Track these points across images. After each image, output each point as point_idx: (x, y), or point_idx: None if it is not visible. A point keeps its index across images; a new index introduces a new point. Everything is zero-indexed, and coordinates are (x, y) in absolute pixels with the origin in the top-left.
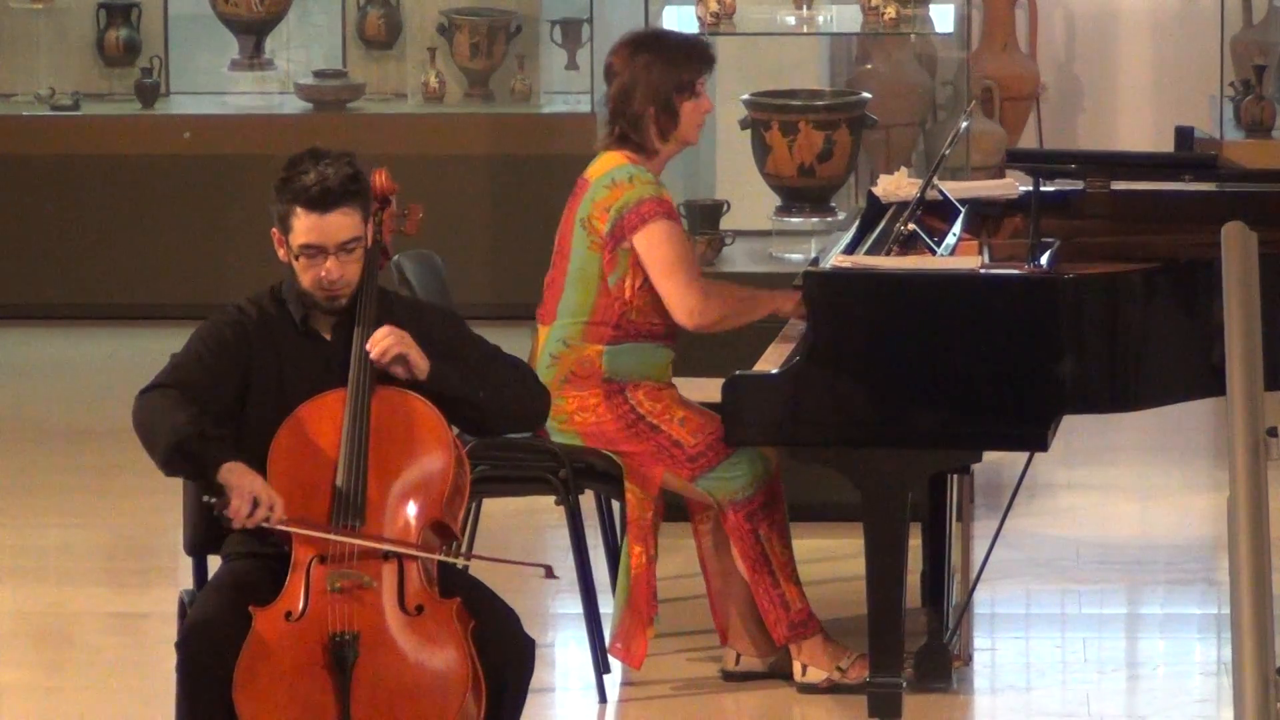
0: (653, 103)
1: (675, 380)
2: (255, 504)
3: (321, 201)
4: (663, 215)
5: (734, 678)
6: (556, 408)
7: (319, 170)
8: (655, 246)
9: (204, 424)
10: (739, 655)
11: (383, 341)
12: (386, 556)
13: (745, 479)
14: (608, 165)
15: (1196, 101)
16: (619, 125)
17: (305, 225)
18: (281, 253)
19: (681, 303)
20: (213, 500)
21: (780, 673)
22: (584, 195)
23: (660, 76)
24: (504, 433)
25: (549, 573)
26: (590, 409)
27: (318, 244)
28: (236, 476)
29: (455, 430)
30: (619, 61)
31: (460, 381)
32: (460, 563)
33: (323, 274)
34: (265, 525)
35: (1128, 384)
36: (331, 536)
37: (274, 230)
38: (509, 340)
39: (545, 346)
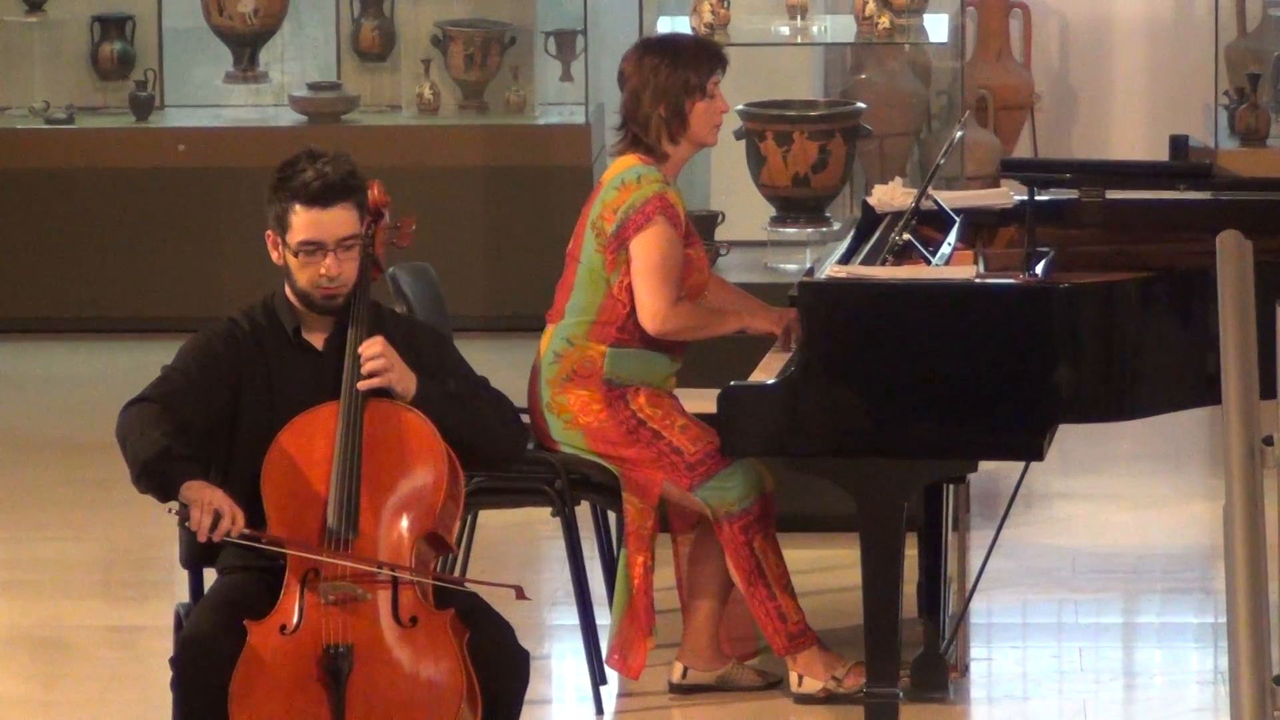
0: (661, 104)
1: (674, 391)
2: (217, 517)
3: (322, 197)
4: (661, 214)
5: (680, 690)
6: (560, 406)
7: (317, 168)
8: (643, 248)
9: (173, 443)
10: (686, 668)
11: (372, 353)
12: (380, 568)
13: (741, 490)
14: (620, 168)
15: (1191, 110)
16: (631, 129)
17: (305, 221)
18: (275, 254)
19: (648, 305)
20: (177, 512)
21: (728, 685)
22: (596, 197)
23: (668, 79)
24: (475, 467)
25: (519, 594)
26: (593, 412)
27: (317, 240)
28: (195, 491)
29: None
30: (629, 66)
31: (442, 409)
32: (418, 579)
33: (322, 271)
34: (229, 539)
35: (1123, 393)
36: (311, 556)
37: (269, 232)
38: (505, 351)
39: (550, 344)
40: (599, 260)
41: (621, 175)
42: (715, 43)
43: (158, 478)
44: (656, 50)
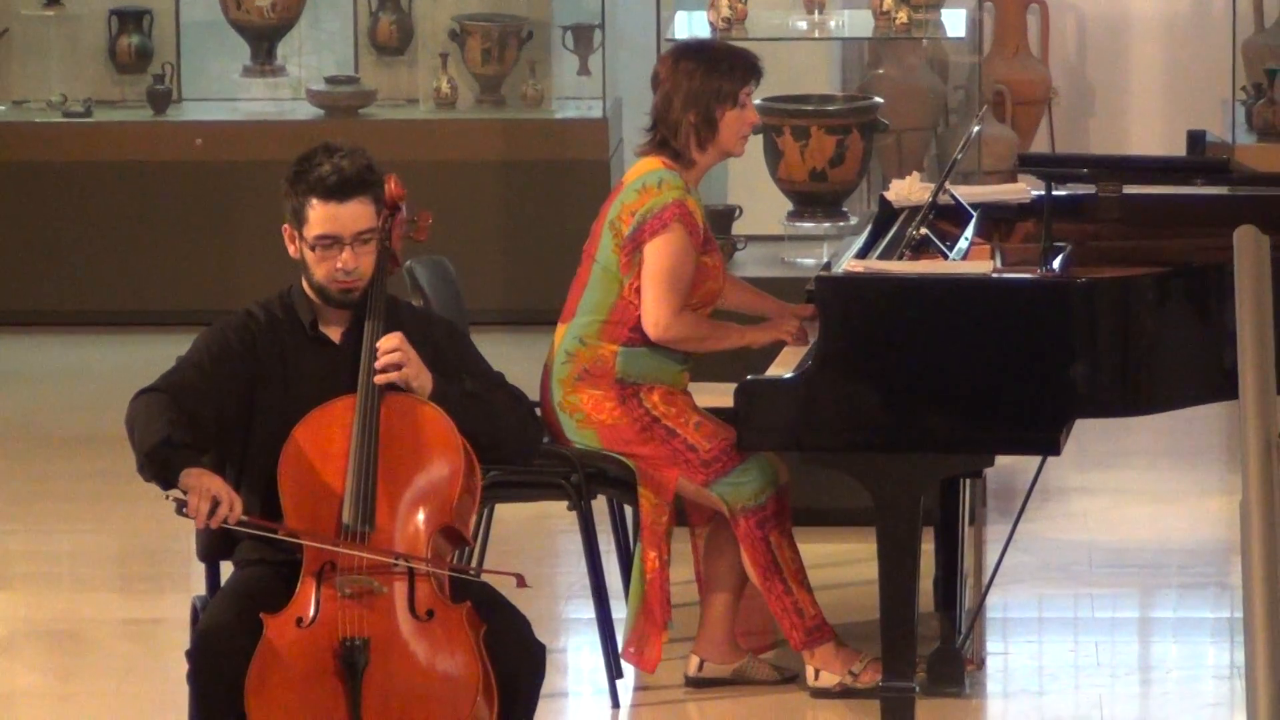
0: (692, 110)
1: (690, 386)
2: (215, 503)
3: (339, 191)
4: (678, 221)
5: (696, 683)
6: (573, 405)
7: (334, 162)
8: (656, 253)
9: (175, 431)
10: (702, 661)
11: (390, 348)
12: (396, 560)
13: (757, 485)
14: (642, 170)
15: (1208, 105)
16: (660, 131)
17: (321, 215)
18: (292, 249)
19: (651, 312)
20: (175, 499)
21: (744, 679)
22: (616, 197)
23: (701, 84)
24: (491, 463)
25: (520, 581)
26: (606, 411)
27: (334, 234)
28: (194, 479)
29: None
30: (664, 69)
31: (458, 407)
32: (433, 570)
33: (339, 265)
34: (227, 525)
35: (1140, 387)
36: (327, 547)
37: (285, 226)
38: (522, 345)
39: (562, 344)
40: (614, 261)
41: (643, 178)
42: (752, 53)
43: (159, 465)
44: (692, 55)
